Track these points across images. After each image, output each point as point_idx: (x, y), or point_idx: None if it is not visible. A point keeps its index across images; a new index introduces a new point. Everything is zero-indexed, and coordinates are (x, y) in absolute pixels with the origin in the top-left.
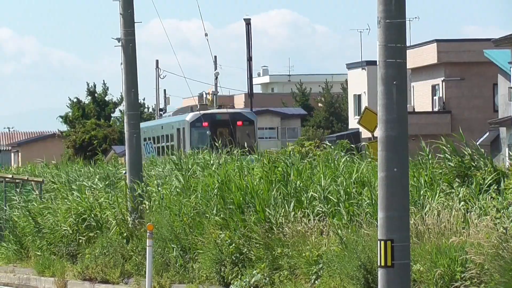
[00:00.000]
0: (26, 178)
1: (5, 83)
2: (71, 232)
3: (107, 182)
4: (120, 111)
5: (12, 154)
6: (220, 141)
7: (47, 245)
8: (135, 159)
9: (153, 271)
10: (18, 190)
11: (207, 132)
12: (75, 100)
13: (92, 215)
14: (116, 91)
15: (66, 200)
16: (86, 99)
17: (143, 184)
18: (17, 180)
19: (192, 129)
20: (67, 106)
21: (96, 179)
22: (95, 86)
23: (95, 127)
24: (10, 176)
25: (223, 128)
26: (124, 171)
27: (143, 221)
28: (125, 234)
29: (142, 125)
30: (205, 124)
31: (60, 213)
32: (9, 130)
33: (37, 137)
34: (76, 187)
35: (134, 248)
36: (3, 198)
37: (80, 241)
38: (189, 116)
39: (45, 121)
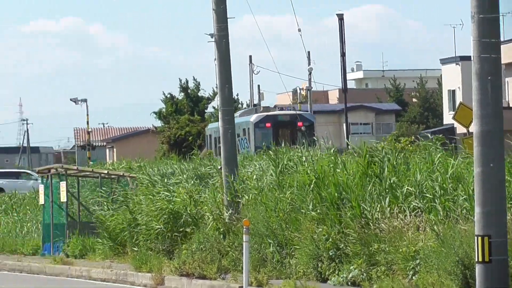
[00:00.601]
0: (121, 174)
1: (99, 78)
2: (164, 229)
3: (202, 178)
4: (213, 107)
5: (107, 149)
6: (282, 141)
7: (144, 240)
8: (230, 154)
9: (250, 266)
10: (113, 186)
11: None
12: (168, 96)
13: (188, 211)
14: (208, 86)
15: (160, 196)
16: (179, 95)
17: (238, 179)
18: (112, 176)
19: (256, 129)
20: (161, 101)
21: (191, 175)
22: (187, 82)
23: (188, 123)
24: (106, 171)
25: (284, 128)
26: (219, 167)
27: (239, 216)
28: (221, 230)
29: (212, 125)
30: (268, 124)
31: (154, 209)
32: (103, 126)
33: (131, 132)
34: (171, 182)
35: (231, 243)
36: (99, 194)
37: (177, 237)
38: (253, 117)
39: (138, 116)
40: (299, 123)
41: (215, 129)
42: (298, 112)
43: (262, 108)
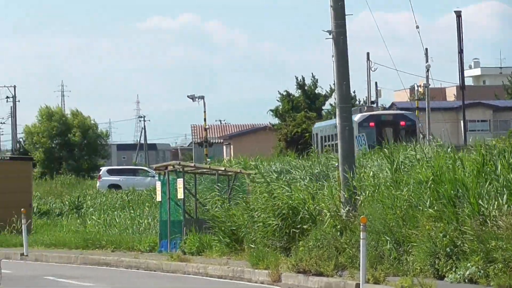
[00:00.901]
0: (238, 171)
1: (216, 75)
2: (284, 225)
3: (318, 175)
4: (330, 104)
5: (224, 146)
6: (385, 140)
7: (260, 237)
8: (348, 151)
9: (367, 263)
10: (231, 183)
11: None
12: (285, 93)
13: (306, 208)
14: (325, 83)
15: (277, 193)
16: (296, 92)
17: (356, 176)
18: (229, 173)
19: (360, 129)
20: (277, 100)
21: (308, 172)
22: (303, 79)
23: (305, 120)
24: (223, 168)
25: (387, 127)
26: (336, 164)
27: (356, 213)
28: (338, 227)
29: (318, 124)
30: (372, 124)
31: (272, 205)
32: (220, 123)
33: (248, 129)
34: (288, 179)
35: (348, 240)
36: (216, 191)
37: (294, 233)
38: (358, 117)
39: (255, 113)
40: (402, 123)
41: (321, 128)
42: (400, 112)
43: (366, 108)
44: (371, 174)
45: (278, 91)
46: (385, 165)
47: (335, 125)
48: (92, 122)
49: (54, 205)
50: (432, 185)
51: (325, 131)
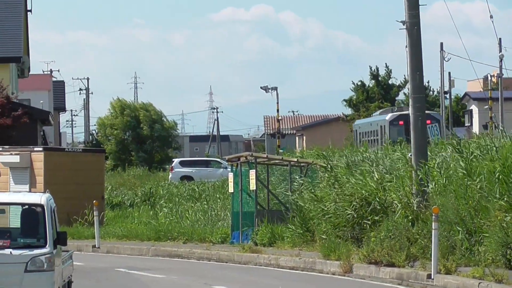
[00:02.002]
0: (311, 162)
1: (290, 66)
2: (355, 216)
3: (389, 165)
4: (404, 94)
5: (297, 137)
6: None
7: (332, 228)
8: (420, 141)
9: (438, 254)
10: (303, 174)
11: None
12: (359, 83)
13: (377, 199)
14: (399, 74)
15: (349, 184)
16: (369, 83)
17: (426, 167)
18: (302, 164)
19: (391, 127)
20: (351, 90)
21: (381, 163)
22: (377, 69)
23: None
24: (295, 159)
25: None
26: (409, 154)
27: (428, 204)
28: (410, 217)
29: (359, 121)
30: (401, 122)
31: (344, 196)
32: (293, 114)
33: (321, 120)
34: (360, 170)
35: (419, 231)
36: (289, 182)
37: (365, 224)
38: (389, 116)
39: (328, 104)
40: (428, 121)
41: (359, 125)
42: (427, 112)
43: (396, 108)
44: (440, 165)
45: (352, 81)
46: (453, 156)
47: (370, 122)
48: (159, 113)
49: (126, 197)
50: (501, 176)
51: (363, 128)
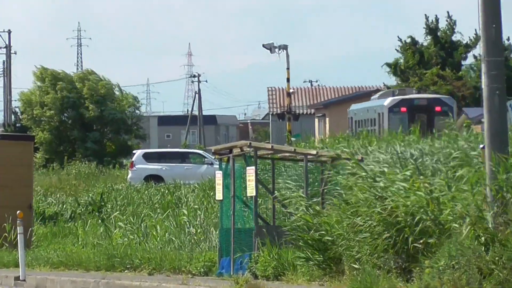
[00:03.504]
0: (336, 156)
1: (306, 16)
2: (396, 238)
3: (454, 162)
4: (475, 57)
5: (316, 119)
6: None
7: (368, 254)
8: (498, 126)
9: None
10: (325, 173)
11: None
12: (408, 41)
13: (429, 213)
14: (466, 27)
15: (391, 190)
16: (424, 40)
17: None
18: (323, 159)
19: (390, 114)
20: (397, 51)
21: (440, 158)
22: (437, 20)
23: (437, 80)
24: (314, 152)
25: (421, 113)
26: (481, 146)
27: (509, 218)
28: (482, 238)
29: (355, 106)
30: (403, 109)
31: (382, 209)
32: (311, 85)
33: (351, 95)
34: (411, 168)
35: (497, 258)
36: (304, 185)
37: (415, 249)
38: (387, 101)
39: (362, 71)
40: (437, 108)
41: (355, 111)
42: (436, 96)
43: (398, 91)
44: None
45: (399, 37)
46: None
47: (367, 108)
48: (112, 85)
49: (64, 205)
50: None
51: (359, 115)
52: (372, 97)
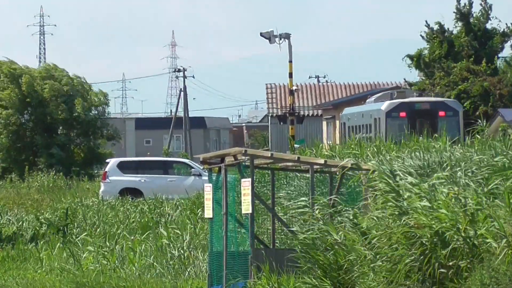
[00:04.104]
0: (348, 166)
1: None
2: (420, 262)
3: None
4: None
5: (324, 122)
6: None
7: (386, 283)
8: None
9: None
10: (335, 185)
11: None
12: (435, 28)
13: (461, 234)
14: (503, 13)
15: (412, 209)
16: (453, 28)
17: None
18: (332, 169)
19: (388, 120)
20: (422, 37)
21: (471, 166)
22: (470, 4)
23: (468, 76)
24: (322, 161)
25: (423, 118)
26: None
27: None
28: None
29: (348, 110)
30: (403, 114)
31: (400, 230)
32: (318, 81)
33: (366, 92)
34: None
35: None
36: (310, 200)
37: (442, 275)
38: (385, 105)
39: (378, 64)
40: (441, 113)
41: (349, 116)
42: (440, 99)
43: (396, 94)
44: None
45: (426, 22)
46: None
47: (362, 113)
48: (78, 80)
49: (24, 224)
50: None
51: (353, 120)
52: (367, 100)
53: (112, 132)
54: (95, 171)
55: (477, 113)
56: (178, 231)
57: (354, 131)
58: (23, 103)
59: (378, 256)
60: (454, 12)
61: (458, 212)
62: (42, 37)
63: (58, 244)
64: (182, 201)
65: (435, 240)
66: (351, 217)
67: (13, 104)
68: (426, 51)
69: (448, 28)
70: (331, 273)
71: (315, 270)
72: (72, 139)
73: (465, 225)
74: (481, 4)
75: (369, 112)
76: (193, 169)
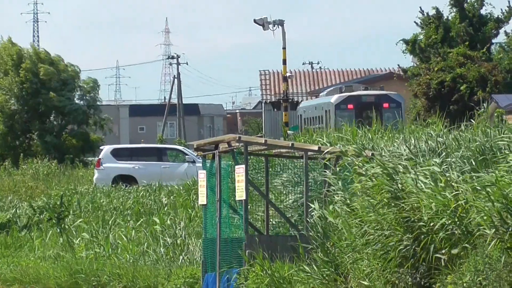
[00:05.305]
0: (343, 151)
1: None
2: (414, 248)
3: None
4: (507, 34)
5: None
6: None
7: (380, 268)
8: None
9: None
10: (329, 172)
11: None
12: (432, 12)
13: (456, 219)
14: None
15: (404, 193)
16: (449, 13)
17: None
18: (327, 155)
19: (337, 111)
20: (416, 24)
21: (465, 153)
22: None
23: (463, 61)
24: (315, 147)
25: (368, 110)
26: None
27: None
28: None
29: (305, 103)
30: (350, 106)
31: (393, 216)
32: (312, 68)
33: (360, 79)
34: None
35: None
36: (304, 187)
37: (436, 261)
38: (334, 98)
39: (373, 50)
40: (385, 105)
41: (304, 109)
42: (384, 92)
43: (345, 88)
44: None
45: (421, 9)
46: None
47: (314, 105)
48: (70, 68)
49: (18, 211)
50: None
51: (308, 113)
52: (320, 94)
53: (103, 123)
54: (89, 159)
55: (474, 97)
56: (172, 218)
57: (309, 122)
58: (21, 90)
59: (368, 242)
60: None
61: (451, 198)
62: (36, 25)
63: (51, 231)
64: (176, 187)
65: (428, 225)
66: (346, 202)
67: (11, 90)
68: (421, 36)
69: (444, 14)
70: (325, 259)
71: (312, 257)
72: (63, 126)
73: (461, 211)
74: None
75: (321, 104)
76: (187, 156)
